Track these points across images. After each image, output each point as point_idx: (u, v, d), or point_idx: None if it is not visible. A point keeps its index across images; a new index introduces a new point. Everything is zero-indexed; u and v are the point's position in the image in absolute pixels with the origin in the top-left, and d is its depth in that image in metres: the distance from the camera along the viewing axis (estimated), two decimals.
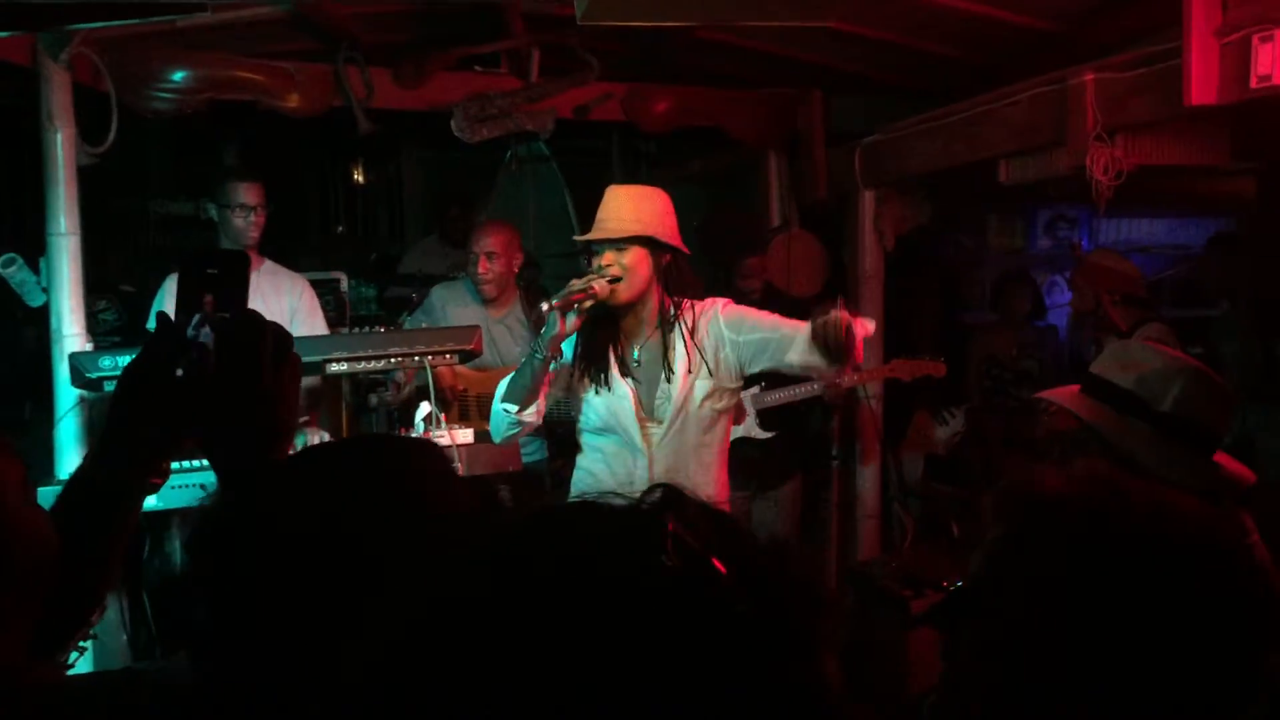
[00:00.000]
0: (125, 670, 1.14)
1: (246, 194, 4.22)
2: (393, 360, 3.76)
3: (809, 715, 0.64)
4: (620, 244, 3.10)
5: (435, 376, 3.89)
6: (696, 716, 0.59)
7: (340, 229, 7.88)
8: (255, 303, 4.14)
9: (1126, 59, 3.81)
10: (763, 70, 5.28)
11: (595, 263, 3.13)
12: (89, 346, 3.97)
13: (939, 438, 5.57)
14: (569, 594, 0.62)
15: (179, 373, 1.16)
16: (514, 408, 3.13)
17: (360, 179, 7.98)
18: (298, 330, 4.30)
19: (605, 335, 3.22)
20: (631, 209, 3.15)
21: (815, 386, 4.62)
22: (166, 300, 4.26)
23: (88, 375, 3.42)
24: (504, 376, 4.45)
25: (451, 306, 4.68)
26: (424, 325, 4.54)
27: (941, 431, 5.57)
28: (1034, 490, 1.34)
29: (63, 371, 3.89)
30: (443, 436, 3.74)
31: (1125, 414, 2.02)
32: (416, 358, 3.77)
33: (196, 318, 1.19)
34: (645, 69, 5.20)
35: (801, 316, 4.98)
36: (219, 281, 1.21)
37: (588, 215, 6.66)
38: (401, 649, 0.64)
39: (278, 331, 1.20)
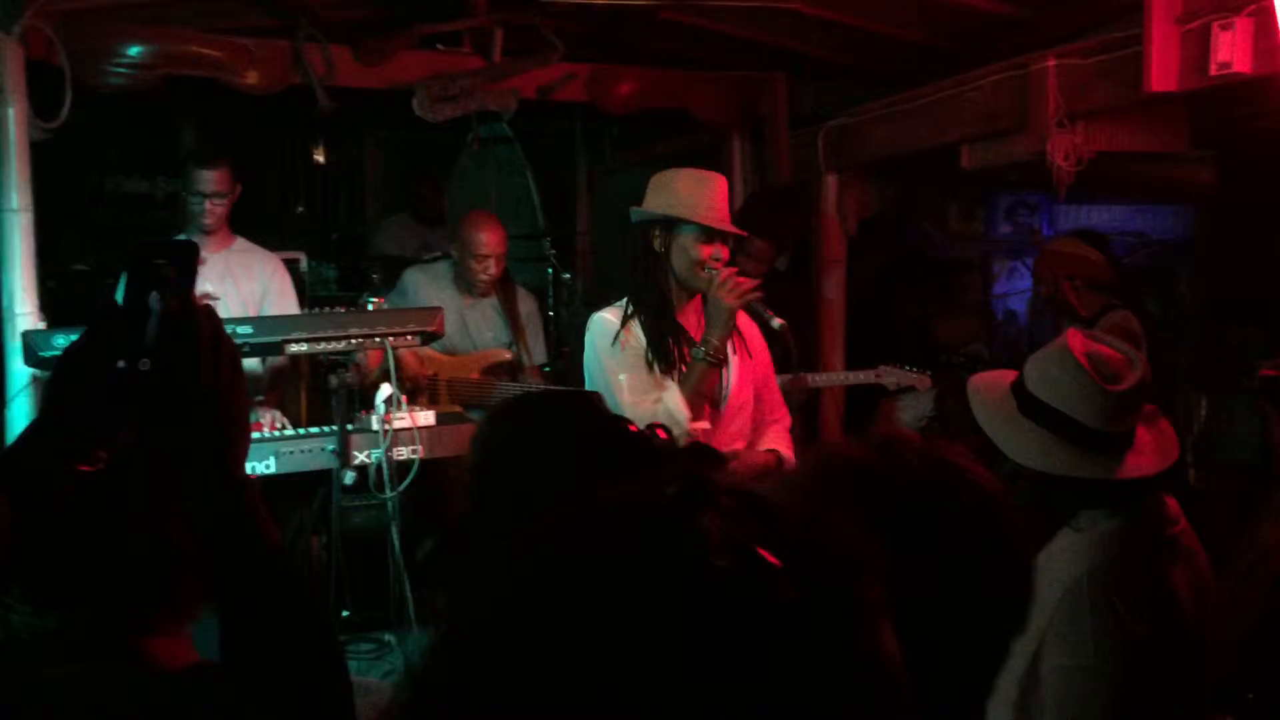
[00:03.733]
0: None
1: (207, 182, 4.14)
2: (353, 341, 3.72)
3: (874, 684, 0.63)
4: (729, 237, 3.04)
5: (399, 363, 3.85)
6: (764, 707, 0.59)
7: (301, 209, 7.80)
8: (225, 283, 4.04)
9: (1088, 45, 3.83)
10: (727, 53, 5.27)
11: (706, 251, 2.98)
12: (42, 325, 3.90)
13: (904, 422, 5.59)
14: (613, 608, 0.61)
15: (120, 364, 1.13)
16: (694, 420, 2.91)
17: (320, 158, 7.89)
18: (269, 311, 4.25)
19: (669, 328, 3.06)
20: (727, 200, 3.09)
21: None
22: None
23: (41, 354, 3.36)
24: (478, 361, 4.41)
25: (426, 290, 4.65)
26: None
27: (907, 417, 5.59)
28: None
29: (15, 350, 3.82)
30: (403, 419, 3.72)
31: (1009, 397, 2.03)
32: (377, 338, 3.74)
33: (150, 306, 1.15)
34: (609, 50, 5.18)
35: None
36: (168, 272, 1.18)
37: (551, 197, 6.61)
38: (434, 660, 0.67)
39: (214, 322, 1.17)
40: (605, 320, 3.08)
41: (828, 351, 5.26)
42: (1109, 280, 4.53)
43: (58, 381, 1.18)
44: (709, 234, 3.00)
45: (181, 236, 4.22)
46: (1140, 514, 1.99)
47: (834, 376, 4.76)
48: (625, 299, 3.12)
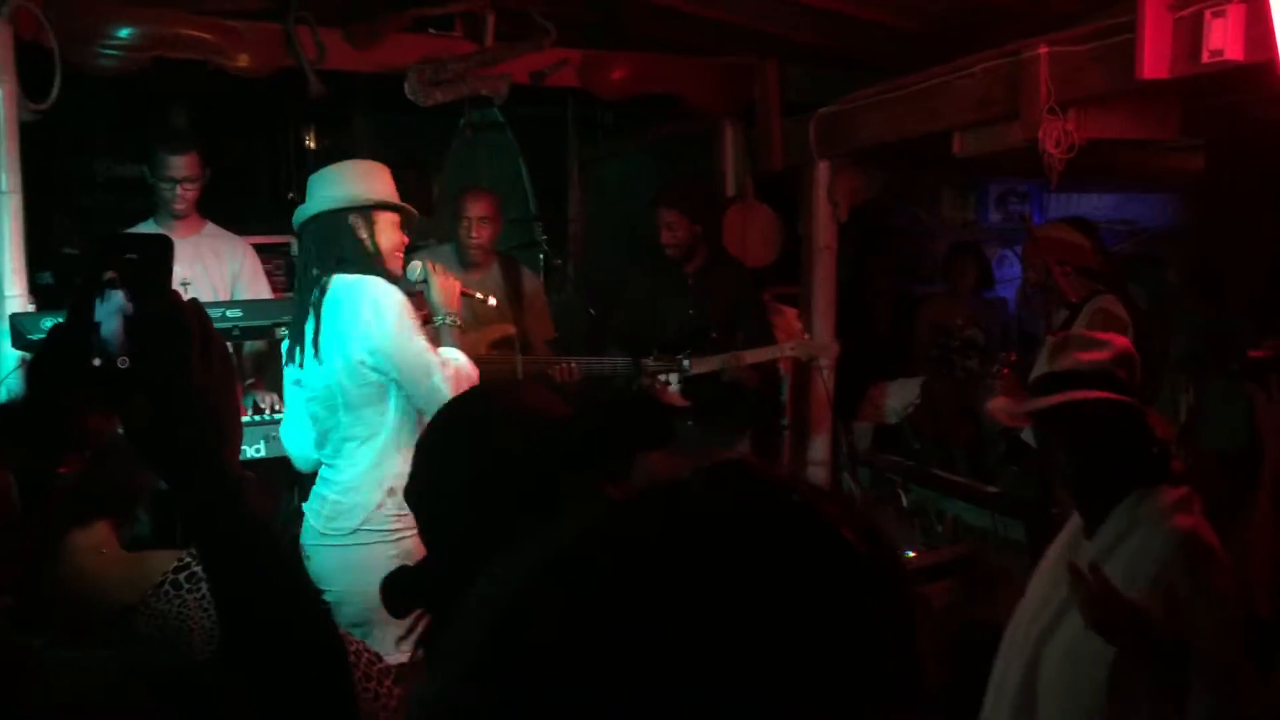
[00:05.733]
0: (114, 655, 1.10)
1: (175, 166, 4.20)
2: None
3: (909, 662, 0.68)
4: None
5: None
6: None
7: (291, 195, 7.75)
8: (195, 267, 4.07)
9: (1080, 32, 3.83)
10: (719, 39, 5.26)
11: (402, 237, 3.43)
12: (31, 307, 3.89)
13: (891, 408, 5.61)
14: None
15: (96, 362, 1.10)
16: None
17: (311, 143, 7.85)
18: (240, 294, 4.26)
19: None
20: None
21: (715, 362, 4.67)
22: None
23: (29, 337, 3.36)
24: (484, 338, 4.53)
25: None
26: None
27: (894, 403, 5.61)
28: None
29: (4, 333, 3.81)
30: None
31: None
32: None
33: (106, 304, 1.13)
34: (601, 36, 5.17)
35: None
36: (138, 268, 1.15)
37: (542, 183, 6.66)
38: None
39: (202, 317, 1.15)
40: (394, 290, 3.25)
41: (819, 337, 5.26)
42: (1097, 267, 4.54)
43: (29, 386, 1.17)
44: (404, 216, 3.41)
45: (150, 223, 4.24)
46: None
47: (753, 354, 4.80)
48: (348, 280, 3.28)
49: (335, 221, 3.30)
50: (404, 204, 3.40)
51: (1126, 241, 6.59)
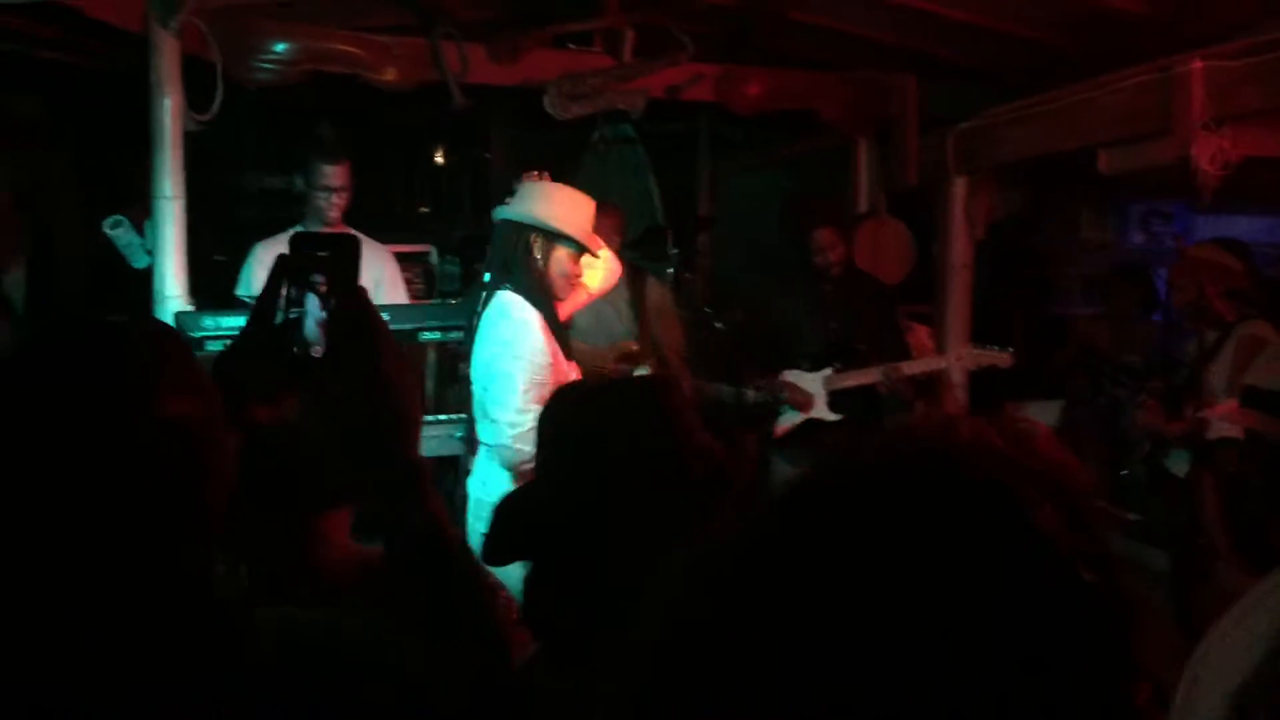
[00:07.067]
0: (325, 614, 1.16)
1: (331, 176, 4.36)
2: None
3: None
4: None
5: None
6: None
7: (425, 209, 7.94)
8: None
9: (1235, 48, 3.72)
10: (855, 55, 5.23)
11: (578, 268, 3.47)
12: (191, 307, 4.06)
13: None
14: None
15: (294, 350, 1.17)
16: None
17: (440, 159, 8.03)
18: (381, 301, 4.39)
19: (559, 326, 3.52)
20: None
21: (877, 373, 4.63)
22: (255, 269, 4.36)
23: (190, 334, 3.50)
24: (611, 353, 4.59)
25: None
26: None
27: None
28: None
29: None
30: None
31: None
32: None
33: (308, 298, 1.19)
34: (737, 52, 5.19)
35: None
36: (334, 264, 1.21)
37: (672, 199, 6.72)
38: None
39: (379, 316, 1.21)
40: (526, 322, 3.27)
41: None
42: (1250, 290, 4.38)
43: (230, 358, 1.23)
44: (581, 251, 3.41)
45: (299, 228, 4.39)
46: None
47: (915, 364, 4.79)
48: (505, 297, 3.33)
49: (518, 232, 3.39)
50: (587, 244, 3.44)
51: (1278, 266, 6.34)
